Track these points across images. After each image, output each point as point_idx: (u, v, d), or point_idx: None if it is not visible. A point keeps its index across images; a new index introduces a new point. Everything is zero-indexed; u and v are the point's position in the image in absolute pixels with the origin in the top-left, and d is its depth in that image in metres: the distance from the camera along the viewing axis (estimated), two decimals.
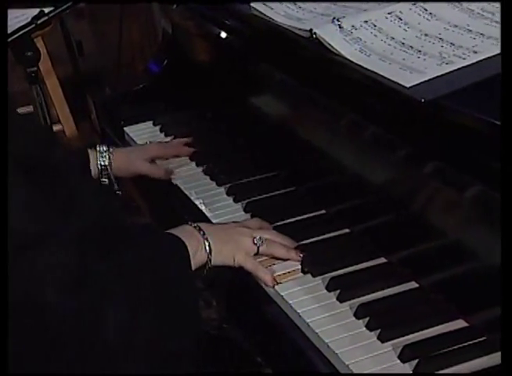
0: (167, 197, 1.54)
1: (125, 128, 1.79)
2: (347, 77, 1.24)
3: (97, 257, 0.98)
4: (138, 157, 1.57)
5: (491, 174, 0.96)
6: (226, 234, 1.22)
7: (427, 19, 1.29)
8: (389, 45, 1.24)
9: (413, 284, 1.14)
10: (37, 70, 1.68)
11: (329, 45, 1.27)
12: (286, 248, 1.22)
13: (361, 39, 1.26)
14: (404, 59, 1.19)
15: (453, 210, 1.05)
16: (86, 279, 0.94)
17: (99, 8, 3.32)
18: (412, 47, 1.22)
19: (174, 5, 1.81)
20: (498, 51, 1.15)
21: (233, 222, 1.31)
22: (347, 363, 1.01)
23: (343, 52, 1.24)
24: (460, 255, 1.04)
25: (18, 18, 2.08)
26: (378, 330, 1.05)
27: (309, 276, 1.19)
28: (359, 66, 1.20)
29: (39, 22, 1.61)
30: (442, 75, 1.13)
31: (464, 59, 1.15)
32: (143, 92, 1.89)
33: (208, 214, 1.39)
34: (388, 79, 1.15)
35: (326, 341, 1.05)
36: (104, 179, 1.52)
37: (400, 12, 1.31)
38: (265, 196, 1.42)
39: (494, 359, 1.00)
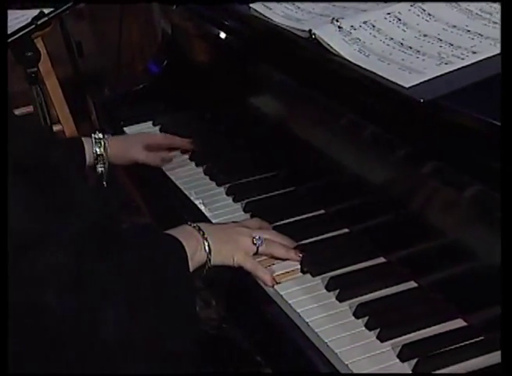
0: (167, 197, 1.54)
1: (125, 129, 1.79)
2: (346, 78, 1.24)
3: (96, 257, 0.98)
4: (134, 144, 1.58)
5: (489, 173, 0.96)
6: (226, 234, 1.22)
7: (426, 19, 1.29)
8: (388, 45, 1.24)
9: (412, 284, 1.14)
10: (38, 70, 1.69)
11: (329, 45, 1.27)
12: (286, 248, 1.23)
13: (360, 39, 1.27)
14: (403, 59, 1.19)
15: (452, 210, 1.05)
16: (85, 279, 0.94)
17: (99, 8, 3.32)
18: (411, 47, 1.22)
19: (174, 6, 1.82)
20: (496, 51, 1.16)
21: (233, 221, 1.31)
22: (346, 362, 1.02)
23: (342, 53, 1.25)
24: (459, 255, 1.05)
25: (18, 19, 2.08)
26: (377, 330, 1.06)
27: (309, 275, 1.19)
28: (358, 66, 1.21)
29: (39, 22, 1.61)
30: (441, 75, 1.13)
31: (463, 59, 1.16)
32: (143, 93, 1.89)
33: (208, 214, 1.40)
34: (387, 79, 1.15)
35: (326, 340, 1.06)
36: (100, 167, 1.52)
37: (399, 12, 1.31)
38: (264, 196, 1.42)
39: (492, 358, 1.00)
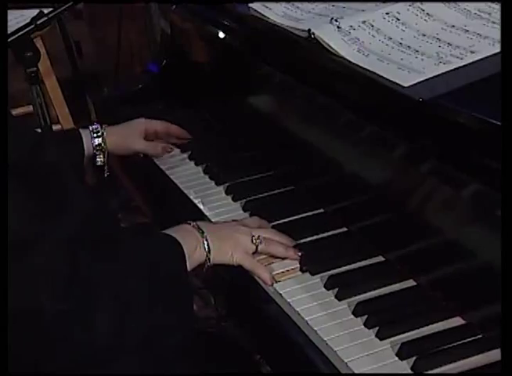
0: (167, 197, 1.55)
1: None
2: (345, 77, 1.24)
3: (90, 258, 0.98)
4: (131, 133, 1.58)
5: (488, 172, 0.97)
6: (225, 233, 1.21)
7: (425, 19, 1.29)
8: (387, 45, 1.25)
9: (411, 282, 1.15)
10: (37, 70, 1.69)
11: (328, 45, 1.27)
12: (285, 247, 1.23)
13: (359, 39, 1.27)
14: (402, 59, 1.20)
15: (449, 208, 1.05)
16: (78, 281, 0.94)
17: (98, 8, 3.32)
18: (409, 47, 1.23)
19: (173, 6, 1.82)
20: (495, 51, 1.16)
21: (232, 220, 1.31)
22: (345, 360, 1.02)
23: (341, 52, 1.25)
24: (457, 254, 1.05)
25: (17, 19, 2.09)
26: (376, 328, 1.06)
27: (308, 274, 1.19)
28: (357, 65, 1.21)
29: (38, 22, 1.61)
30: (440, 75, 1.14)
31: (461, 59, 1.16)
32: (142, 92, 1.89)
33: (207, 213, 1.40)
34: (386, 79, 1.15)
35: (325, 338, 1.06)
36: (99, 159, 1.51)
37: (397, 12, 1.31)
38: (263, 195, 1.42)
39: (491, 356, 1.00)
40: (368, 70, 1.19)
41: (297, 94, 1.39)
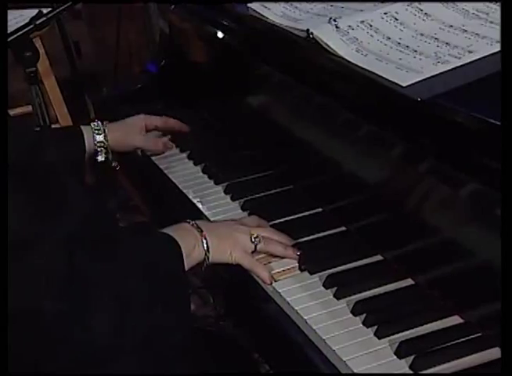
0: (166, 196, 1.55)
1: None
2: (344, 77, 1.25)
3: (88, 258, 0.98)
4: (131, 129, 1.58)
5: (486, 172, 0.97)
6: (224, 231, 1.22)
7: (423, 19, 1.30)
8: (385, 44, 1.25)
9: (409, 281, 1.15)
10: (36, 70, 1.69)
11: (326, 44, 1.28)
12: (284, 246, 1.23)
13: (357, 39, 1.27)
14: (400, 58, 1.20)
15: (448, 208, 1.05)
16: (76, 281, 0.95)
17: (97, 8, 3.33)
18: (408, 47, 1.23)
19: (172, 6, 1.82)
20: (492, 51, 1.16)
21: (231, 219, 1.31)
22: (344, 359, 1.02)
23: (340, 52, 1.25)
24: (455, 253, 1.05)
25: (16, 19, 2.09)
26: (375, 327, 1.06)
27: (306, 273, 1.20)
28: (356, 65, 1.21)
29: (38, 22, 1.62)
30: (438, 74, 1.14)
31: (459, 58, 1.16)
32: (141, 92, 1.89)
33: (206, 212, 1.40)
34: (385, 78, 1.16)
35: (324, 337, 1.06)
36: (100, 156, 1.51)
37: (396, 12, 1.32)
38: (262, 194, 1.43)
39: (489, 355, 1.00)
40: (366, 70, 1.19)
41: (295, 94, 1.39)
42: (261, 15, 1.50)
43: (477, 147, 1.01)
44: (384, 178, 1.19)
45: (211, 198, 1.45)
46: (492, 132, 0.98)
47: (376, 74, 1.17)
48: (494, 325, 0.99)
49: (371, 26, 1.29)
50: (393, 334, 1.05)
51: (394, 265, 1.18)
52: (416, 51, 1.21)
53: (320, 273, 1.19)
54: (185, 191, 1.49)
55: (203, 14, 1.70)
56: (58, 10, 1.64)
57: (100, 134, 1.50)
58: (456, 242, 1.05)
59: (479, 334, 1.03)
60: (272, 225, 1.30)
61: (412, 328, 1.06)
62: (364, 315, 1.08)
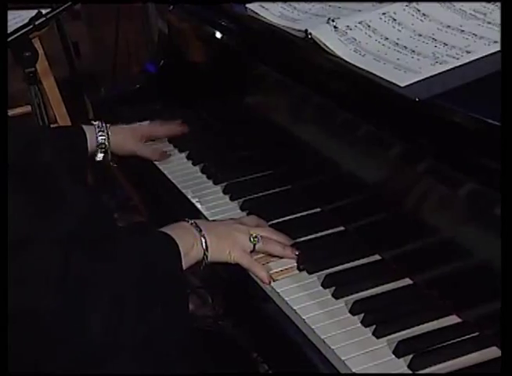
0: (165, 196, 1.55)
1: None
2: (342, 77, 1.25)
3: (84, 258, 0.98)
4: (129, 136, 1.59)
5: (484, 171, 0.98)
6: (223, 231, 1.22)
7: (421, 19, 1.30)
8: (383, 45, 1.25)
9: (407, 281, 1.15)
10: (35, 70, 1.69)
11: (325, 45, 1.28)
12: (282, 246, 1.23)
13: (355, 39, 1.27)
14: (398, 59, 1.20)
15: (446, 208, 1.06)
16: (72, 281, 0.95)
17: (96, 9, 3.33)
18: (406, 47, 1.23)
19: (171, 6, 1.82)
20: (490, 51, 1.17)
21: (230, 219, 1.31)
22: (342, 358, 1.02)
23: (338, 52, 1.26)
24: (453, 253, 1.05)
25: (16, 19, 2.09)
26: (373, 326, 1.06)
27: (305, 273, 1.20)
28: (354, 66, 1.22)
29: (37, 23, 1.62)
30: (436, 75, 1.14)
31: (457, 59, 1.17)
32: (140, 93, 1.89)
33: (205, 212, 1.40)
34: (383, 79, 1.16)
35: (322, 337, 1.07)
36: (100, 155, 1.52)
37: (394, 12, 1.32)
38: (261, 194, 1.43)
39: (487, 354, 1.01)
40: (364, 70, 1.19)
41: (294, 94, 1.39)
42: (260, 15, 1.50)
43: (475, 147, 1.01)
44: (383, 178, 1.20)
45: (210, 198, 1.45)
46: (490, 132, 0.98)
47: (375, 74, 1.17)
48: (492, 324, 1.00)
49: (369, 26, 1.30)
50: (391, 333, 1.05)
51: (393, 264, 1.18)
52: (414, 51, 1.21)
53: (318, 273, 1.19)
54: (184, 191, 1.50)
55: (202, 14, 1.71)
56: (57, 11, 1.65)
57: (103, 135, 1.51)
58: (454, 242, 1.05)
59: (477, 334, 1.03)
60: (270, 225, 1.30)
61: (411, 328, 1.06)
62: (362, 314, 1.09)
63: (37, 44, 1.94)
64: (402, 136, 1.12)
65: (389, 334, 1.05)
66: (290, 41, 1.38)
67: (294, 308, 1.13)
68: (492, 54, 1.16)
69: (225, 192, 1.46)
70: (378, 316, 1.08)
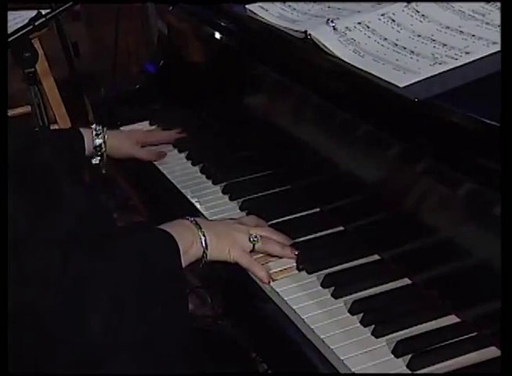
0: (164, 196, 1.55)
1: (122, 128, 1.80)
2: (341, 78, 1.25)
3: (83, 257, 0.98)
4: (128, 139, 1.61)
5: (483, 172, 0.98)
6: (223, 230, 1.22)
7: (420, 20, 1.30)
8: (382, 45, 1.25)
9: (407, 281, 1.15)
10: (35, 70, 1.70)
11: (324, 46, 1.28)
12: (282, 246, 1.23)
13: (355, 40, 1.28)
14: (397, 59, 1.20)
15: (445, 208, 1.06)
16: (71, 280, 0.95)
17: (95, 9, 3.33)
18: (405, 48, 1.23)
19: (170, 7, 1.83)
20: (489, 52, 1.17)
21: (230, 219, 1.31)
22: (342, 358, 1.02)
23: (337, 53, 1.26)
24: (452, 253, 1.05)
25: (16, 20, 2.10)
26: (372, 326, 1.06)
27: (304, 273, 1.20)
28: (353, 66, 1.22)
29: (37, 23, 1.62)
30: (435, 75, 1.15)
31: (456, 59, 1.17)
32: (139, 93, 1.90)
33: (204, 212, 1.41)
34: (382, 79, 1.16)
35: (322, 336, 1.07)
36: (96, 158, 1.53)
37: (393, 13, 1.32)
38: (260, 194, 1.43)
39: (486, 354, 1.01)
40: (364, 71, 1.20)
41: (293, 94, 1.40)
42: (259, 16, 1.50)
43: (474, 147, 1.01)
44: (382, 178, 1.20)
45: (209, 198, 1.45)
46: (489, 132, 0.99)
47: (374, 75, 1.18)
48: (490, 324, 1.00)
49: (368, 27, 1.30)
50: (390, 333, 1.05)
51: (392, 264, 1.19)
52: (413, 52, 1.22)
53: (318, 273, 1.19)
54: (183, 191, 1.50)
55: (201, 15, 1.71)
56: (57, 11, 1.65)
57: (100, 139, 1.52)
58: (453, 242, 1.05)
59: (476, 334, 1.03)
60: (270, 225, 1.30)
61: (410, 327, 1.06)
62: (361, 314, 1.09)
63: (36, 44, 1.95)
64: (402, 136, 1.13)
65: (388, 333, 1.05)
66: (289, 42, 1.39)
67: (294, 307, 1.13)
68: (491, 55, 1.16)
69: (224, 192, 1.46)
70: (377, 316, 1.08)
